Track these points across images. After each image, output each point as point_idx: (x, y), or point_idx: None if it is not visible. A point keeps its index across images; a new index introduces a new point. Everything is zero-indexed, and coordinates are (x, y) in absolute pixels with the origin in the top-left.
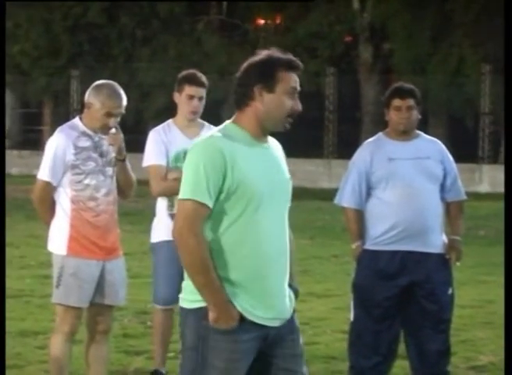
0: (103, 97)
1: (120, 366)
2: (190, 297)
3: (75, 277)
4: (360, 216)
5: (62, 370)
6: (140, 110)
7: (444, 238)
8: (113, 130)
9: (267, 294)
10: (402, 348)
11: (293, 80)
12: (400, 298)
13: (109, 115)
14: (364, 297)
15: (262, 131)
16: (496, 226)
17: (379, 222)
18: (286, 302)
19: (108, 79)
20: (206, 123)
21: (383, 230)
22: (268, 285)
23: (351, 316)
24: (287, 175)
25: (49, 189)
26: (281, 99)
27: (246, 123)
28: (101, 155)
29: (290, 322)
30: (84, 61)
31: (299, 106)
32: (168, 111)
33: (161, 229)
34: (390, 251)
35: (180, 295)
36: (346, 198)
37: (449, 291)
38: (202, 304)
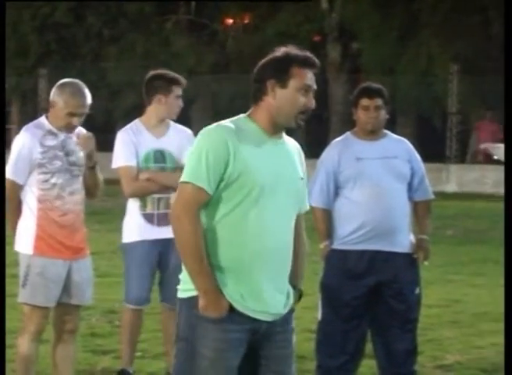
0: (66, 96)
1: (87, 365)
2: (183, 286)
3: (41, 277)
4: (328, 215)
5: (28, 370)
6: (109, 109)
7: (412, 238)
8: (85, 133)
9: (257, 286)
10: (369, 347)
11: (308, 77)
12: (368, 298)
13: (72, 114)
14: (331, 296)
15: (275, 127)
16: (463, 225)
17: (347, 221)
18: (279, 298)
19: (76, 78)
20: (171, 122)
21: (351, 229)
22: (259, 278)
23: (319, 316)
24: (298, 174)
25: (15, 188)
26: (293, 95)
27: (259, 118)
28: (67, 153)
29: (285, 321)
30: (52, 60)
31: (312, 103)
32: (137, 110)
33: (134, 229)
34: (358, 251)
35: (178, 287)
36: (314, 198)
37: (417, 291)
38: (194, 293)
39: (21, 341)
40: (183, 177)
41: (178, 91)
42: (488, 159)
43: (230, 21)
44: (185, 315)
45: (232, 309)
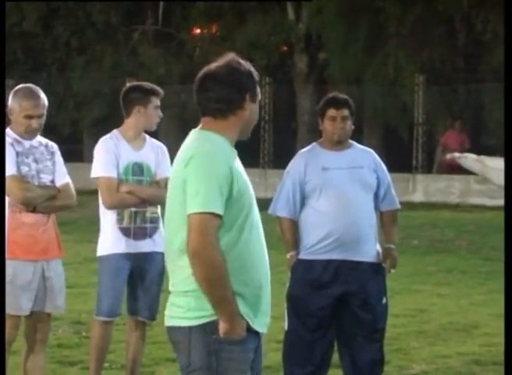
0: (20, 99)
1: None
2: (192, 314)
3: (11, 285)
4: (294, 225)
5: None
6: (75, 120)
7: (378, 247)
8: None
9: (264, 301)
10: (336, 357)
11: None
12: (334, 308)
13: (29, 117)
14: (297, 306)
15: (236, 138)
16: (429, 235)
17: (313, 231)
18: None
19: (43, 88)
20: (147, 136)
21: (317, 239)
22: (266, 292)
23: (285, 326)
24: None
25: None
26: (257, 108)
27: (228, 132)
28: (36, 161)
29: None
30: (19, 70)
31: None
32: (104, 120)
33: (109, 242)
34: (324, 261)
35: (169, 314)
36: (280, 208)
37: (384, 301)
38: (209, 318)
39: None
40: (196, 207)
41: (156, 101)
42: (452, 169)
43: (198, 31)
44: (200, 342)
45: (247, 329)
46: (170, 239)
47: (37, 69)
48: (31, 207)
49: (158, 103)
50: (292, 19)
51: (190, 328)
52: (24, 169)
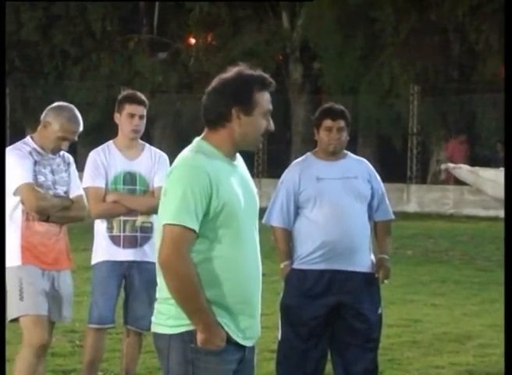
0: (63, 120)
1: None
2: (172, 322)
3: (34, 286)
4: (288, 235)
5: None
6: None
7: (372, 258)
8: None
9: (249, 313)
10: (329, 367)
11: (268, 101)
12: (328, 318)
13: (64, 138)
14: (291, 316)
15: (235, 151)
16: (423, 245)
17: (307, 241)
18: (258, 322)
19: (39, 97)
20: (147, 145)
21: (311, 249)
22: (251, 305)
23: (279, 336)
24: (255, 190)
25: None
26: (258, 121)
27: (219, 143)
28: (52, 172)
29: (253, 349)
30: (15, 78)
31: (272, 126)
32: (99, 129)
33: (99, 250)
34: (318, 271)
35: (154, 320)
36: (274, 218)
37: (379, 311)
38: (188, 328)
39: (22, 355)
40: (168, 218)
41: (131, 108)
42: (454, 180)
43: (193, 40)
44: (178, 350)
45: (228, 340)
46: (157, 247)
47: (34, 78)
48: (45, 216)
49: (134, 111)
50: (287, 28)
51: (170, 336)
52: (41, 178)
